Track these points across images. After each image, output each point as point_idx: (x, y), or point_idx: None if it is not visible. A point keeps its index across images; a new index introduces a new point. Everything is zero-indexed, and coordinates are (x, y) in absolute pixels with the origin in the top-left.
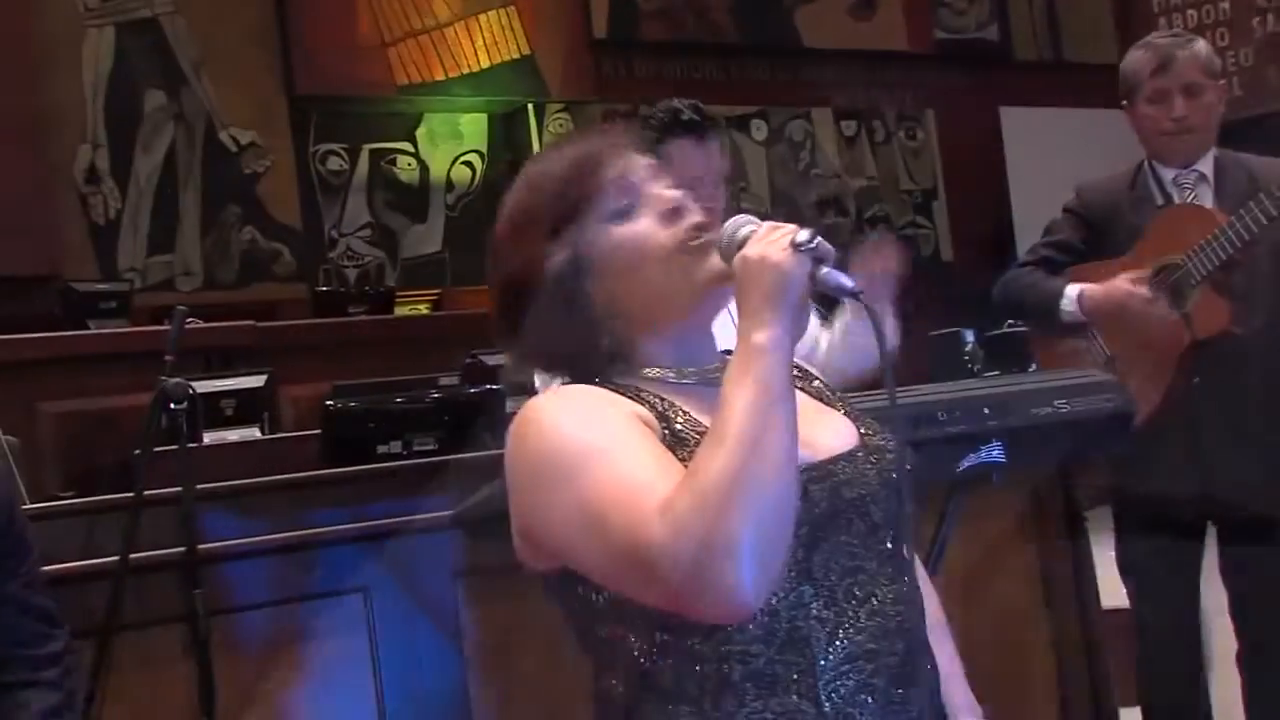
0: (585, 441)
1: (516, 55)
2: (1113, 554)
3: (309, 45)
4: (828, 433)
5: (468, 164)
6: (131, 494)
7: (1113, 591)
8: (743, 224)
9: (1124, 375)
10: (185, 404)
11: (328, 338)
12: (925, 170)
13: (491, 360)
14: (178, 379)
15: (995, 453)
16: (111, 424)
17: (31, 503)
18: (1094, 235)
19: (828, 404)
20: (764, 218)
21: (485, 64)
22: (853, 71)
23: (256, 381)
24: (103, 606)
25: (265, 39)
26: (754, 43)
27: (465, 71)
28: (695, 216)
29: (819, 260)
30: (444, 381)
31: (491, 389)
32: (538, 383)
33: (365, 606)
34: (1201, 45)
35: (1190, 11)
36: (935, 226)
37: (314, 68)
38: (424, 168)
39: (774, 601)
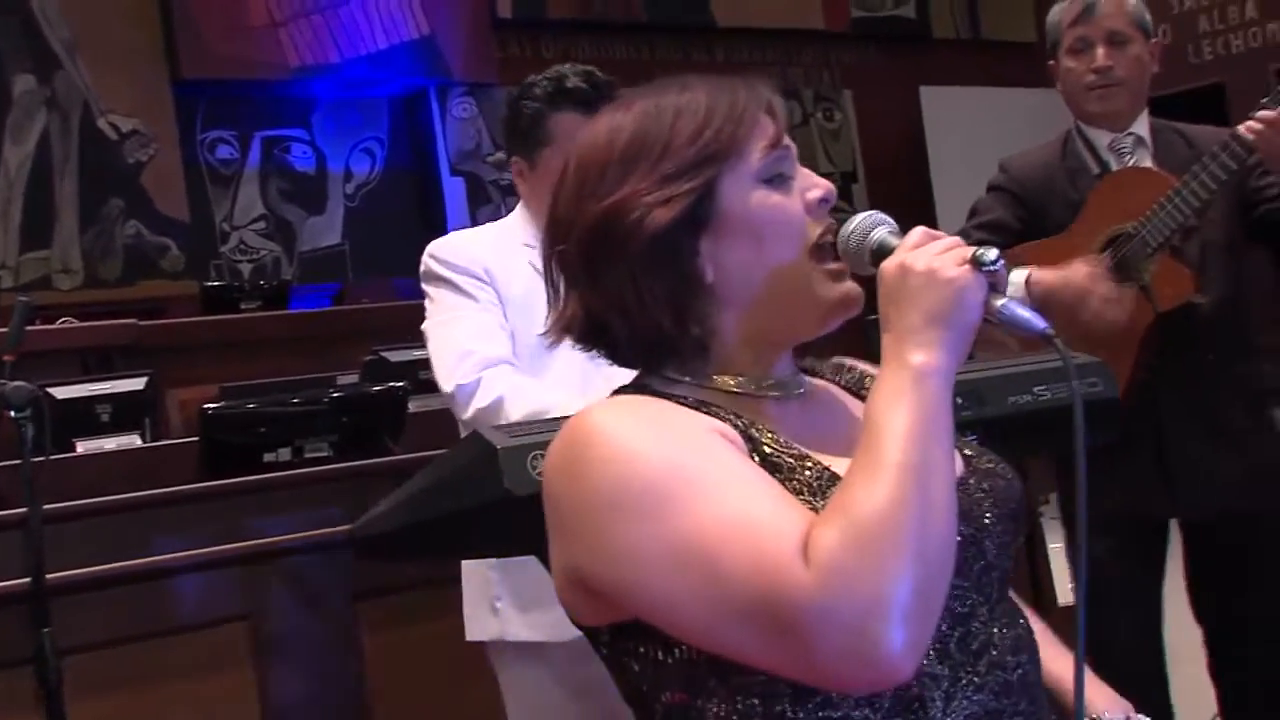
0: (673, 464)
1: (416, 36)
2: (1060, 548)
3: (194, 25)
4: None
5: (367, 151)
6: None
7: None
8: (874, 225)
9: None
10: (28, 411)
11: (218, 336)
12: (844, 152)
13: (395, 357)
14: (19, 382)
15: None
16: None
17: None
18: (1029, 213)
19: None
20: None
21: (383, 45)
22: (768, 51)
23: (136, 384)
24: None
25: (146, 18)
26: (666, 22)
27: (363, 53)
28: (829, 220)
29: (993, 287)
30: (342, 380)
31: (394, 386)
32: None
33: (249, 636)
34: None
35: None
36: (855, 209)
37: (200, 49)
38: (321, 155)
39: None
